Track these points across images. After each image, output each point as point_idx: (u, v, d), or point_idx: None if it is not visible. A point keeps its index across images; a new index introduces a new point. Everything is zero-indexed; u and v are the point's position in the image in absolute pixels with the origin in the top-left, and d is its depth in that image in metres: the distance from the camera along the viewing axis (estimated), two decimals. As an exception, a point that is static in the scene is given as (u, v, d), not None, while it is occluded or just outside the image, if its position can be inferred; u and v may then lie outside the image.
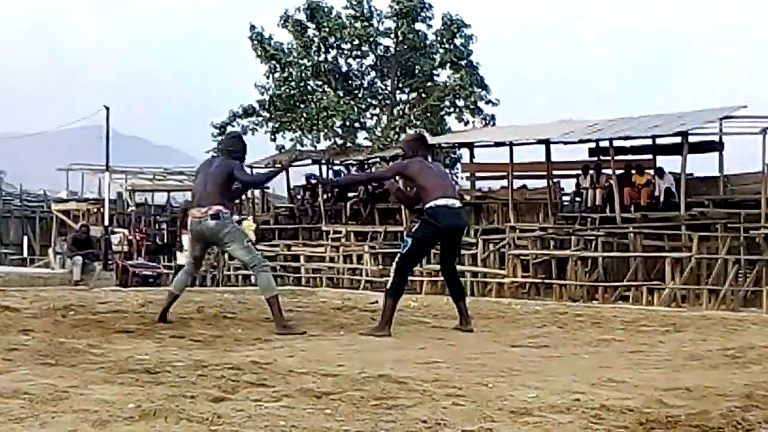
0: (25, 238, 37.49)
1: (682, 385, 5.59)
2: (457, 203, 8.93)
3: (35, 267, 30.84)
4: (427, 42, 36.00)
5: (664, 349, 7.69)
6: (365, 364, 6.27)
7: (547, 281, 24.20)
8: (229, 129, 37.24)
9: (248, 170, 9.30)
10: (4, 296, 10.88)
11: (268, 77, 35.99)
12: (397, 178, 9.85)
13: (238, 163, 8.91)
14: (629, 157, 26.94)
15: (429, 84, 36.14)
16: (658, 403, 5.04)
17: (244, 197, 34.99)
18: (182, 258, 21.59)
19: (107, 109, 30.65)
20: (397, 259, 8.94)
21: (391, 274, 8.87)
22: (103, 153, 30.65)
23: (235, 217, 29.66)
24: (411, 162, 9.02)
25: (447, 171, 9.47)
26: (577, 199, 27.37)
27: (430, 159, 9.61)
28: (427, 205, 8.75)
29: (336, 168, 35.26)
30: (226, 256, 24.04)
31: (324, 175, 33.99)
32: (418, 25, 35.88)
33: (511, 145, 27.24)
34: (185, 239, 21.58)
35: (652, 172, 26.02)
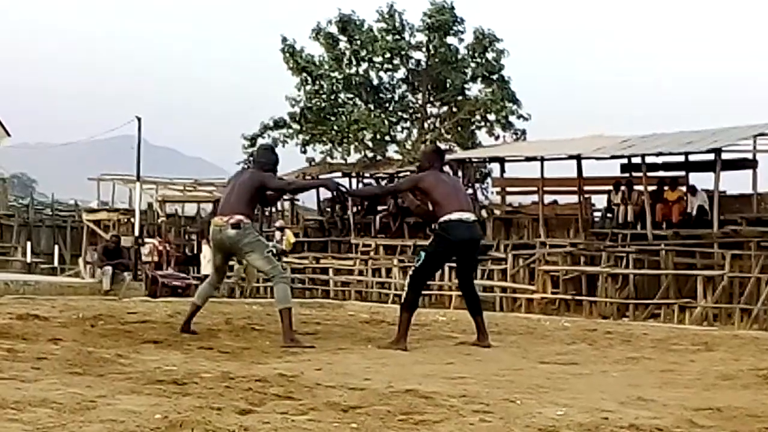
0: (56, 247, 37.76)
1: (713, 405, 5.52)
2: (472, 217, 8.89)
3: (65, 276, 31.04)
4: (459, 56, 36.02)
5: (695, 368, 7.61)
6: (392, 378, 6.24)
7: (577, 298, 24.08)
8: (260, 141, 37.50)
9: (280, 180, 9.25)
10: (33, 305, 10.93)
11: (299, 89, 36.17)
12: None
13: (271, 174, 8.91)
14: (661, 173, 26.77)
15: (460, 98, 36.14)
16: (688, 422, 4.98)
17: (273, 209, 35.10)
18: (207, 268, 21.68)
19: (139, 119, 30.81)
20: (411, 273, 8.97)
21: (405, 288, 8.88)
22: (134, 163, 30.82)
23: (279, 223, 29.67)
24: (426, 175, 9.00)
25: (461, 184, 9.37)
26: (609, 215, 27.20)
27: (449, 171, 9.58)
28: (441, 219, 8.72)
29: (366, 181, 35.29)
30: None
31: (354, 188, 34.07)
32: (450, 39, 35.93)
33: (542, 160, 27.15)
34: (206, 249, 21.66)
35: (684, 188, 25.86)
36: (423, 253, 8.89)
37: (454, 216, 8.68)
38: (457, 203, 8.81)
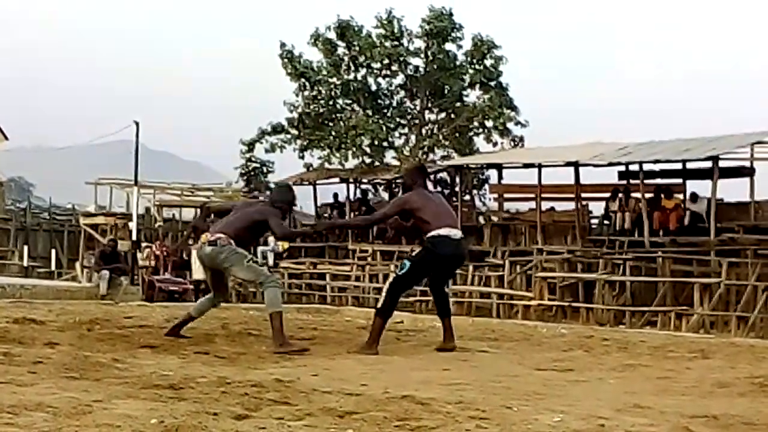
0: (53, 251, 37.66)
1: (709, 413, 5.52)
2: (458, 233, 8.97)
3: (62, 280, 30.99)
4: (457, 62, 36.03)
5: (692, 376, 7.61)
6: (389, 384, 6.24)
7: (574, 304, 24.07)
8: (258, 146, 37.51)
9: (283, 222, 9.32)
10: (30, 309, 10.93)
11: (297, 95, 36.17)
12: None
13: (277, 212, 8.94)
14: (659, 180, 26.80)
15: (458, 104, 36.15)
16: (684, 430, 4.98)
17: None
18: (198, 273, 21.64)
19: (137, 124, 30.80)
20: (390, 280, 9.01)
21: (383, 294, 8.92)
22: (132, 168, 30.79)
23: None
24: (411, 195, 9.06)
25: (445, 200, 9.40)
26: (606, 222, 27.23)
27: (430, 188, 9.65)
28: (429, 234, 8.80)
29: (363, 187, 35.31)
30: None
31: (351, 194, 34.06)
32: (448, 46, 35.93)
33: (539, 166, 27.17)
34: (195, 255, 21.72)
35: (681, 196, 25.86)
36: (407, 263, 8.94)
37: (443, 232, 8.78)
38: (445, 219, 8.92)
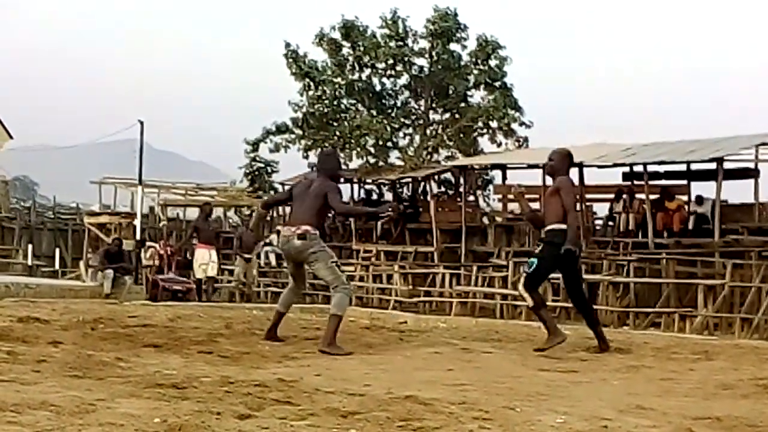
0: (57, 250, 37.72)
1: (712, 415, 5.52)
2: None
3: (66, 279, 31.01)
4: (462, 63, 36.00)
5: (695, 378, 7.60)
6: (392, 384, 6.24)
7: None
8: (262, 146, 37.50)
9: (341, 197, 9.48)
10: (34, 308, 10.93)
11: (301, 95, 36.15)
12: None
13: (334, 186, 9.05)
14: (663, 182, 26.77)
15: (462, 105, 36.12)
16: (687, 431, 4.98)
17: (275, 213, 35.08)
18: (199, 272, 21.63)
19: (141, 123, 30.82)
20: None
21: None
22: (136, 167, 30.81)
23: (278, 228, 30.09)
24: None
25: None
26: (610, 223, 27.21)
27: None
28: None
29: (368, 187, 35.29)
30: (254, 271, 24.10)
31: (355, 194, 34.09)
32: (453, 46, 35.89)
33: (544, 167, 27.13)
34: (198, 254, 21.69)
35: (685, 198, 25.82)
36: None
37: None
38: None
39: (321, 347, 8.45)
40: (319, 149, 35.98)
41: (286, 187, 35.78)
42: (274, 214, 37.06)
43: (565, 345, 9.23)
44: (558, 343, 8.95)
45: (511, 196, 30.35)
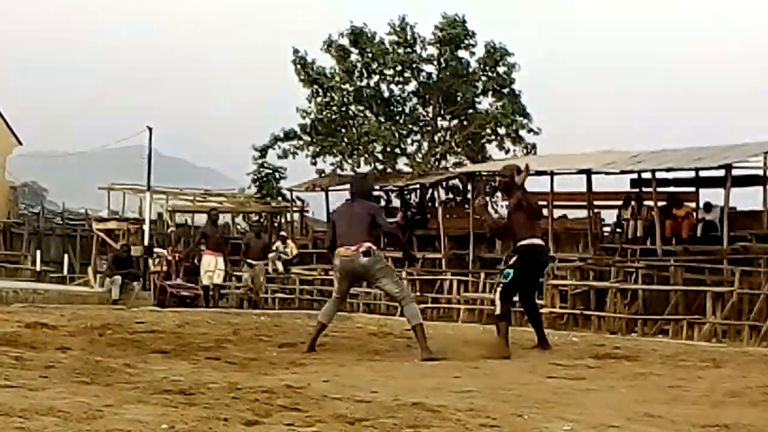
0: (66, 256, 37.81)
1: (721, 422, 5.50)
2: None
3: (75, 285, 31.08)
4: (470, 69, 35.98)
5: (703, 385, 7.58)
6: (399, 391, 6.23)
7: (585, 312, 23.97)
8: (270, 152, 37.53)
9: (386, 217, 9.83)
10: (42, 313, 10.96)
11: (310, 101, 36.17)
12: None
13: (378, 206, 9.33)
14: (671, 189, 26.73)
15: (471, 111, 36.11)
16: (695, 439, 4.97)
17: (282, 220, 35.16)
18: (205, 279, 21.62)
19: (150, 129, 30.91)
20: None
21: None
22: (144, 173, 30.90)
23: (283, 233, 30.10)
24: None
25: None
26: (618, 230, 27.16)
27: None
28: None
29: (376, 194, 35.27)
30: (262, 278, 24.09)
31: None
32: (461, 53, 35.88)
33: (551, 174, 27.13)
34: (205, 261, 21.68)
35: (693, 205, 25.76)
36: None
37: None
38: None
39: (424, 357, 8.72)
40: (326, 155, 36.03)
41: (295, 194, 36.07)
42: (282, 221, 37.22)
43: (572, 352, 9.21)
44: (502, 358, 9.05)
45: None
